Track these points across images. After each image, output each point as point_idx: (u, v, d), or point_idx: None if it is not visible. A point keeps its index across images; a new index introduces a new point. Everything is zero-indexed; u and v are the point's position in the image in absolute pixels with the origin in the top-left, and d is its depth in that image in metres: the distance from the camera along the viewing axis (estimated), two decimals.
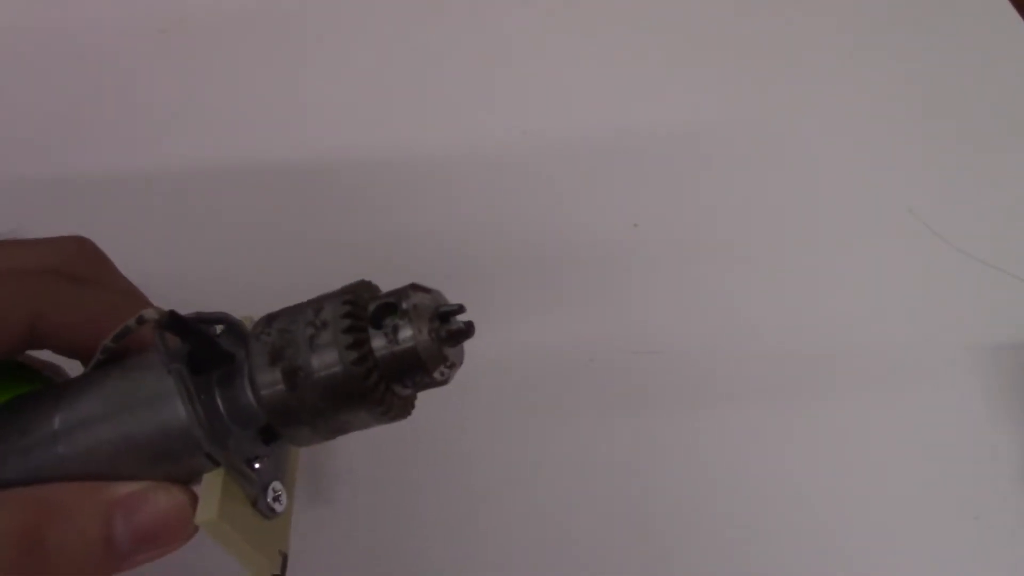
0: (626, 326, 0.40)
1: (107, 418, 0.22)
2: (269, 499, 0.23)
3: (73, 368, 0.25)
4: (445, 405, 0.37)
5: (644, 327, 0.40)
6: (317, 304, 0.22)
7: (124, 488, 0.22)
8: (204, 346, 0.22)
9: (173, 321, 0.22)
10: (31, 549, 0.21)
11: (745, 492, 0.36)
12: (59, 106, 0.48)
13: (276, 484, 0.24)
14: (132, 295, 0.26)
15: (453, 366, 0.22)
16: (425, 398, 0.36)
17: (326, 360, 0.21)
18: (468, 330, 0.22)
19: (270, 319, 0.22)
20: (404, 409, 0.23)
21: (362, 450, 0.36)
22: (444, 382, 0.22)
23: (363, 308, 0.21)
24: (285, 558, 0.25)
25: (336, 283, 0.39)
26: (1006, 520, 0.36)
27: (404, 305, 0.21)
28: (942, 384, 0.39)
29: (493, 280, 0.41)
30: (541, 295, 0.41)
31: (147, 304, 0.25)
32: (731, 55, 0.51)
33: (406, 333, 0.21)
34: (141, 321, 0.22)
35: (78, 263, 0.26)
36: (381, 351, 0.21)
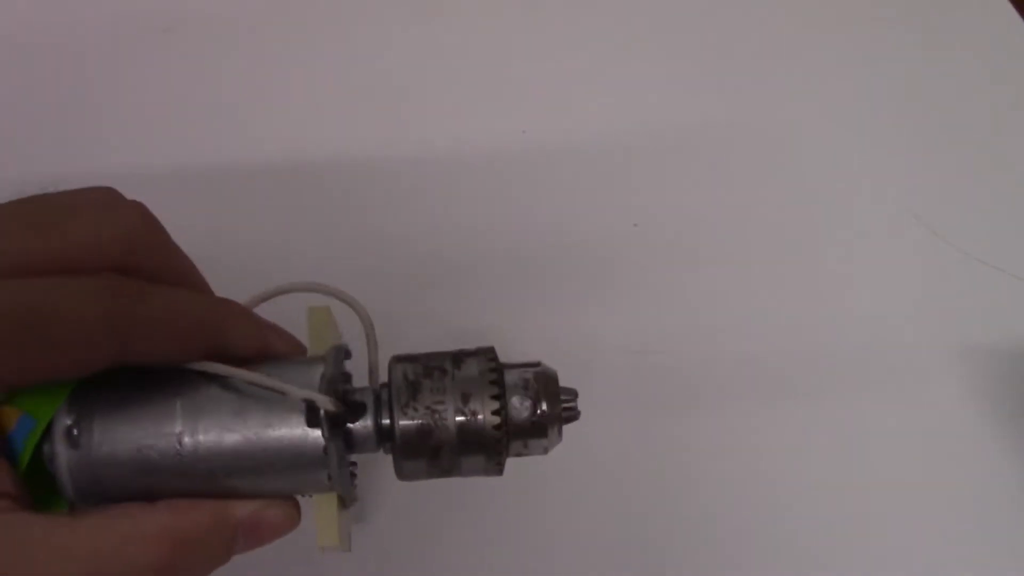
0: (626, 326, 0.40)
1: (240, 445, 0.23)
2: (353, 493, 0.25)
3: None
4: None
5: (644, 327, 0.40)
6: (458, 357, 0.25)
7: (245, 509, 0.23)
8: (352, 411, 0.24)
9: (345, 411, 0.23)
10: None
11: (745, 492, 0.36)
12: (60, 106, 0.48)
13: (353, 470, 0.25)
14: (198, 294, 0.25)
15: (559, 440, 0.25)
16: None
17: (473, 409, 0.24)
18: (577, 414, 0.26)
19: (408, 359, 0.24)
20: (503, 466, 0.25)
21: None
22: (544, 452, 0.25)
23: (502, 371, 0.25)
24: (350, 536, 0.27)
25: (335, 283, 0.39)
26: (1006, 520, 0.36)
27: (539, 377, 0.25)
28: (942, 384, 0.39)
29: (492, 280, 0.41)
30: (540, 295, 0.41)
31: (210, 304, 0.25)
32: (732, 55, 0.51)
33: (541, 407, 0.24)
34: (312, 409, 0.23)
35: (144, 248, 0.24)
36: (515, 417, 0.24)
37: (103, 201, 0.24)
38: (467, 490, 0.36)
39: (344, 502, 0.25)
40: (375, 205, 0.44)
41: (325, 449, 0.23)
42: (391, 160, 0.46)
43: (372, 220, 0.44)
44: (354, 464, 0.26)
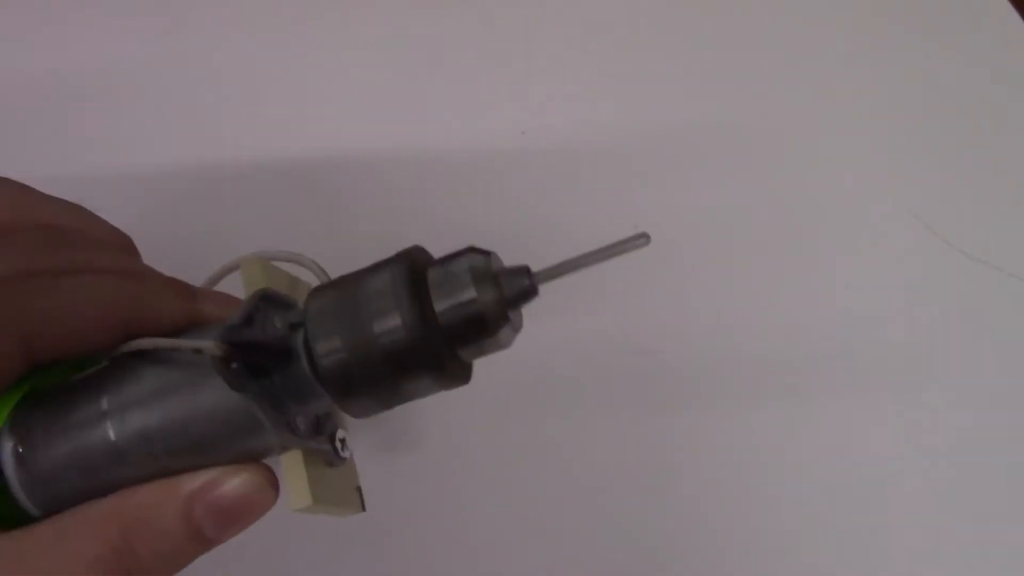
0: (626, 326, 0.40)
1: (169, 421, 0.22)
2: (339, 450, 0.24)
3: None
4: (444, 405, 0.37)
5: (644, 327, 0.40)
6: (373, 271, 0.21)
7: (197, 480, 0.22)
8: (266, 354, 0.22)
9: (234, 352, 0.22)
10: (129, 569, 0.21)
11: (744, 492, 0.36)
12: (59, 106, 0.48)
13: (340, 432, 0.24)
14: (115, 277, 0.24)
15: (515, 329, 0.22)
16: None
17: (388, 325, 0.20)
18: (532, 290, 0.21)
19: (325, 288, 0.22)
20: (465, 374, 0.22)
21: (360, 449, 0.36)
22: (506, 346, 0.21)
23: (422, 271, 0.21)
24: (360, 491, 0.26)
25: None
26: (1006, 520, 0.36)
27: (465, 267, 0.21)
28: (942, 384, 0.39)
29: None
30: (540, 295, 0.41)
31: (129, 288, 0.24)
32: (732, 55, 0.51)
33: (469, 295, 0.20)
34: (197, 351, 0.22)
35: (52, 250, 0.23)
36: (444, 314, 0.20)
37: None
38: (467, 491, 0.36)
39: (322, 455, 0.23)
40: (374, 205, 0.44)
41: (242, 392, 0.21)
42: (389, 160, 0.46)
43: (371, 220, 0.44)
44: (327, 416, 0.24)
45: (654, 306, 0.41)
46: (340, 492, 0.24)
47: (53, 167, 0.45)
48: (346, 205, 0.44)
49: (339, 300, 0.21)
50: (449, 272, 0.21)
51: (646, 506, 0.36)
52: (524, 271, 0.21)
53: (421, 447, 0.36)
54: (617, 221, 0.43)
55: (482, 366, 0.38)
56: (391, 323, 0.20)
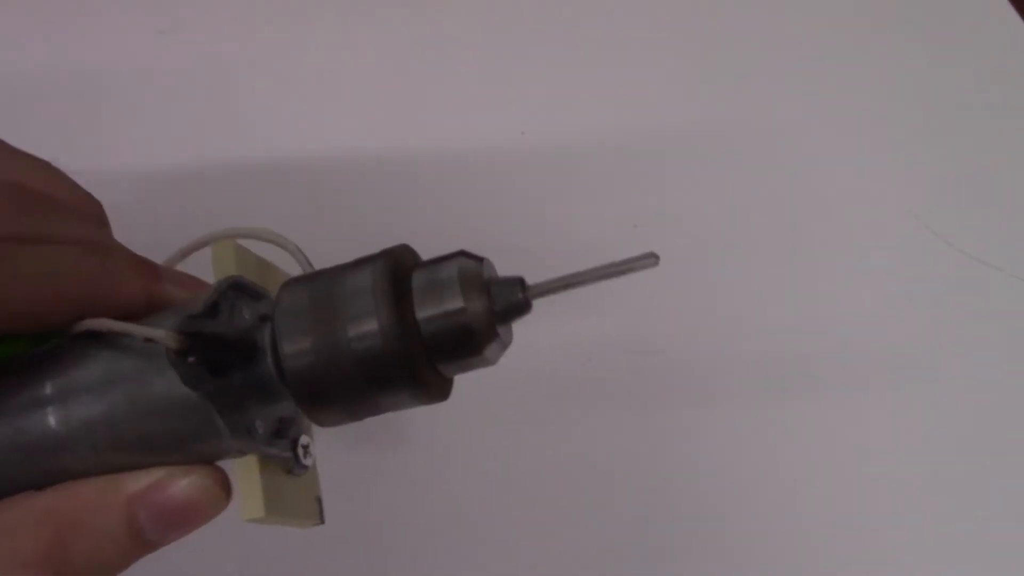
0: (626, 326, 0.40)
1: (118, 417, 0.20)
2: (300, 457, 0.22)
3: None
4: (443, 404, 0.37)
5: (644, 327, 0.40)
6: (354, 267, 0.19)
7: (141, 481, 0.20)
8: (227, 349, 0.20)
9: (192, 345, 0.20)
10: (59, 569, 0.20)
11: (744, 491, 0.36)
12: (59, 106, 0.48)
13: (304, 439, 0.22)
14: (81, 251, 0.22)
15: (504, 345, 0.19)
16: None
17: (364, 330, 0.18)
18: (525, 305, 0.19)
19: (300, 281, 0.20)
20: (444, 391, 0.20)
21: (360, 448, 0.36)
22: (492, 362, 0.19)
23: (407, 273, 0.19)
24: (320, 502, 0.24)
25: None
26: (1006, 520, 0.36)
27: (454, 272, 0.18)
28: (942, 384, 0.39)
29: None
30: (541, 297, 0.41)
31: (92, 265, 0.22)
32: (732, 55, 0.51)
33: (456, 304, 0.18)
34: (149, 340, 0.20)
35: (6, 219, 0.21)
36: (427, 323, 0.18)
37: None
38: (467, 491, 0.36)
39: (282, 462, 0.22)
40: (372, 206, 0.44)
41: (197, 390, 0.19)
42: (389, 161, 0.46)
43: (370, 221, 0.44)
44: (290, 420, 0.22)
45: (655, 306, 0.41)
46: (298, 503, 0.22)
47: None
48: (345, 205, 0.44)
49: (313, 296, 0.19)
50: (436, 277, 0.19)
51: (646, 506, 0.36)
52: (518, 282, 0.19)
53: (415, 446, 0.36)
54: (617, 221, 0.43)
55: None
56: (367, 327, 0.18)
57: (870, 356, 0.40)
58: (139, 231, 0.43)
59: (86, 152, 0.46)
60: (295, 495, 0.22)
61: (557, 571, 0.34)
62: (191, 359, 0.20)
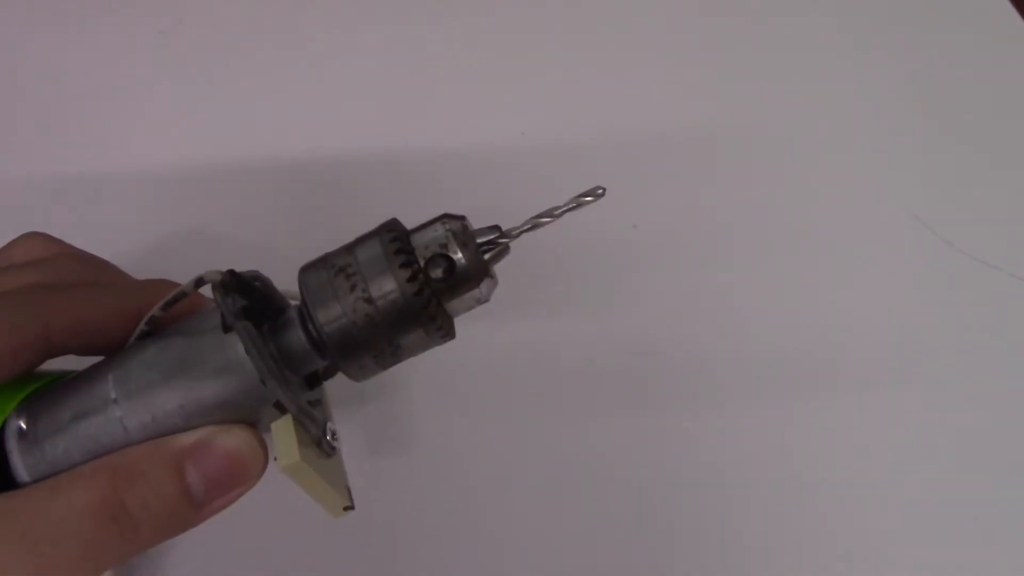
0: (625, 326, 0.40)
1: (169, 384, 0.22)
2: (329, 438, 0.24)
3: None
4: (444, 405, 0.37)
5: (643, 327, 0.40)
6: (357, 244, 0.23)
7: (189, 438, 0.22)
8: (262, 300, 0.24)
9: (235, 281, 0.23)
10: (116, 517, 0.21)
11: (745, 492, 0.36)
12: (58, 106, 0.48)
13: (330, 424, 0.25)
14: (131, 284, 0.27)
15: (494, 283, 0.24)
16: (424, 392, 0.36)
17: (385, 287, 0.22)
18: (506, 247, 0.24)
19: (313, 265, 0.23)
20: (451, 329, 0.24)
21: (359, 448, 0.36)
22: (486, 300, 0.24)
23: (406, 237, 0.23)
24: (349, 491, 0.26)
25: None
26: (1006, 520, 0.36)
27: (444, 230, 0.23)
28: (942, 384, 0.39)
29: None
30: (540, 296, 0.41)
31: (138, 284, 0.26)
32: (731, 56, 0.51)
33: (454, 253, 0.23)
34: (199, 283, 0.23)
35: (76, 272, 0.26)
36: (432, 271, 0.23)
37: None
38: (467, 492, 0.36)
39: (312, 435, 0.24)
40: (372, 206, 0.44)
41: (236, 329, 0.22)
42: (389, 161, 0.46)
43: (369, 221, 0.43)
44: (317, 402, 0.25)
45: (655, 307, 0.41)
46: (328, 476, 0.24)
47: (53, 166, 0.45)
48: (347, 205, 0.44)
49: (331, 272, 0.23)
50: (433, 236, 0.23)
51: (647, 506, 0.36)
52: (496, 228, 0.24)
53: (416, 446, 0.36)
54: (616, 221, 0.43)
55: (482, 366, 0.38)
56: (388, 286, 0.22)
57: (870, 356, 0.40)
58: (140, 231, 0.43)
59: (85, 152, 0.46)
60: (325, 470, 0.24)
61: (558, 571, 0.34)
62: (234, 300, 0.23)
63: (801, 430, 0.38)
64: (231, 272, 0.23)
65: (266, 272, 0.34)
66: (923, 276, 0.42)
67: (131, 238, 0.42)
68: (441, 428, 0.37)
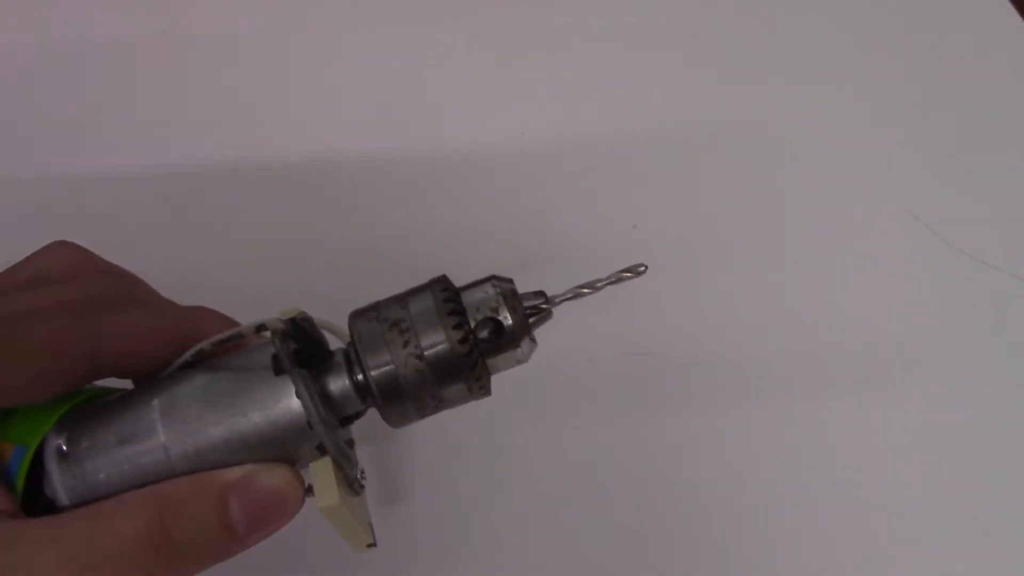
0: (625, 326, 0.40)
1: (217, 419, 0.23)
2: (359, 476, 0.26)
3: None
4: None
5: (644, 328, 0.40)
6: (410, 298, 0.25)
7: (233, 473, 0.23)
8: (308, 341, 0.25)
9: (295, 330, 0.24)
10: (160, 547, 0.22)
11: (745, 492, 0.36)
12: (58, 106, 0.48)
13: (359, 465, 0.26)
14: (169, 306, 0.27)
15: (535, 345, 0.25)
16: None
17: (437, 345, 0.24)
18: (548, 312, 0.26)
19: (365, 314, 0.25)
20: (489, 386, 0.25)
21: (365, 448, 0.36)
22: (525, 361, 0.25)
23: (457, 296, 0.24)
24: (372, 528, 0.27)
25: (335, 283, 0.39)
26: (1006, 520, 0.36)
27: (495, 291, 0.24)
28: (942, 384, 0.39)
29: None
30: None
31: (181, 310, 0.27)
32: (731, 56, 0.51)
33: (503, 314, 0.24)
34: (260, 329, 0.24)
35: (113, 289, 0.26)
36: (480, 330, 0.24)
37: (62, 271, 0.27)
38: (463, 490, 0.36)
39: (346, 475, 0.25)
40: (373, 206, 0.44)
41: (290, 374, 0.23)
42: (389, 161, 0.46)
43: (370, 221, 0.44)
44: (351, 442, 0.26)
45: (655, 307, 0.41)
46: (358, 516, 0.26)
47: (54, 166, 0.45)
48: (345, 206, 0.44)
49: (383, 322, 0.24)
50: (483, 297, 0.24)
51: (646, 505, 0.36)
52: (541, 294, 0.26)
53: (415, 447, 0.36)
54: (616, 221, 0.44)
55: None
56: (436, 338, 0.24)
57: (870, 356, 0.40)
58: (138, 231, 0.43)
59: (86, 152, 0.46)
60: (355, 508, 0.25)
61: (558, 571, 0.34)
62: (294, 346, 0.24)
63: (801, 430, 0.38)
64: (293, 322, 0.24)
65: (263, 272, 0.34)
66: (923, 276, 0.42)
67: (131, 238, 0.42)
68: (440, 427, 0.37)
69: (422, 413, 0.25)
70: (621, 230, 0.43)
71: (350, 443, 0.26)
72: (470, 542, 0.35)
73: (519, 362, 0.25)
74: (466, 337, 0.24)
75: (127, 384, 0.26)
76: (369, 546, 0.27)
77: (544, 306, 0.25)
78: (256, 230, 0.43)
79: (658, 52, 0.51)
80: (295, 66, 0.50)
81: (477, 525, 0.35)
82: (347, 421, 0.27)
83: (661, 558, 0.35)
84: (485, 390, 0.25)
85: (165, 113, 0.47)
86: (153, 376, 0.25)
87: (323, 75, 0.49)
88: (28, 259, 0.27)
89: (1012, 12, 0.53)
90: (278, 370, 0.23)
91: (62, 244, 0.28)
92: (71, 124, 0.47)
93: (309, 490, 0.24)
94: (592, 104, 0.48)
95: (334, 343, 0.27)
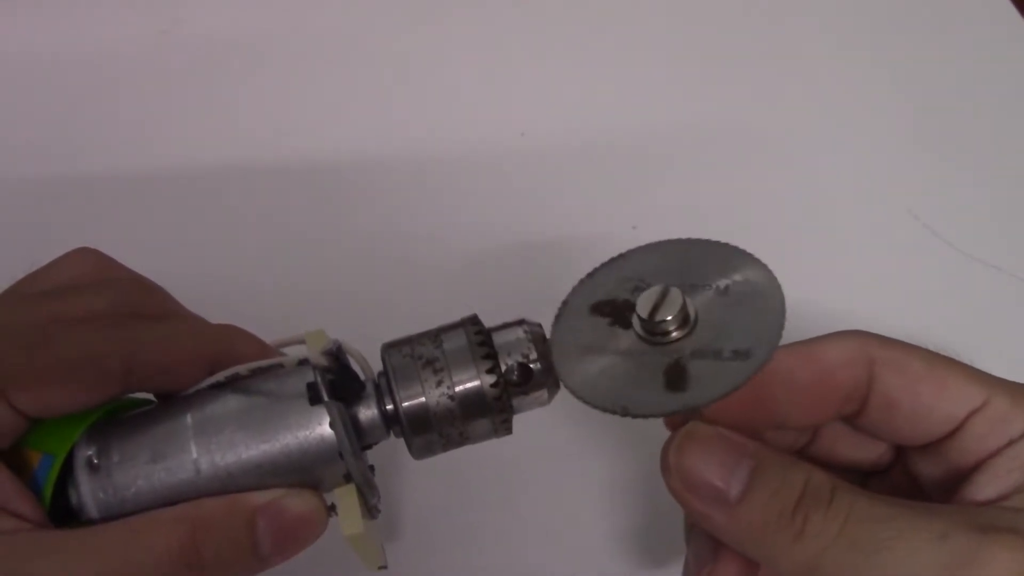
0: None
1: (250, 443, 0.24)
2: (376, 503, 0.26)
3: None
4: None
5: None
6: (444, 336, 0.26)
7: (263, 496, 0.24)
8: (341, 371, 0.25)
9: (335, 365, 0.25)
10: (191, 565, 0.22)
11: None
12: (59, 106, 0.48)
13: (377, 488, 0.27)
14: (202, 323, 0.27)
15: (557, 390, 0.26)
16: None
17: (469, 385, 0.25)
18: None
19: (399, 349, 0.26)
20: (511, 425, 0.26)
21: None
22: (546, 403, 0.26)
23: (489, 339, 0.25)
24: (383, 549, 0.28)
25: (337, 283, 0.39)
26: None
27: (526, 334, 0.26)
28: None
29: (492, 282, 0.41)
30: (540, 297, 0.41)
31: (214, 328, 0.27)
32: (730, 56, 0.51)
33: (533, 356, 0.25)
34: (303, 363, 0.25)
35: (142, 300, 0.26)
36: (509, 371, 0.25)
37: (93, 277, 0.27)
38: (464, 490, 0.36)
39: (367, 501, 0.26)
40: (374, 206, 0.44)
41: (327, 407, 0.24)
42: (390, 162, 0.46)
43: (371, 221, 0.44)
44: (371, 468, 0.26)
45: None
46: (374, 539, 0.26)
47: (54, 167, 0.45)
48: (345, 206, 0.44)
49: (416, 356, 0.25)
50: (514, 340, 0.25)
51: (646, 506, 0.36)
52: None
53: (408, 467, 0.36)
54: (616, 221, 0.44)
55: None
56: (467, 374, 0.25)
57: None
58: (139, 230, 0.43)
59: (87, 152, 0.46)
60: (372, 532, 0.26)
61: (556, 570, 0.34)
62: (331, 378, 0.25)
63: None
64: (336, 359, 0.25)
65: (264, 272, 0.34)
66: (921, 274, 0.42)
67: (129, 238, 0.41)
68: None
69: (446, 447, 0.26)
70: (621, 230, 0.43)
71: (372, 469, 0.27)
72: (464, 540, 0.35)
73: (540, 404, 0.26)
74: (498, 381, 0.25)
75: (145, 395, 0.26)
76: (380, 568, 0.27)
77: None
78: (256, 230, 0.43)
79: (658, 52, 0.51)
80: (295, 66, 0.50)
81: (476, 525, 0.35)
82: (367, 447, 0.27)
83: (661, 558, 0.35)
84: (508, 429, 0.26)
85: (165, 113, 0.48)
86: (177, 393, 0.25)
87: (323, 75, 0.49)
88: (52, 265, 0.27)
89: (1012, 11, 0.53)
90: (314, 400, 0.24)
91: (87, 251, 0.27)
92: (71, 124, 0.47)
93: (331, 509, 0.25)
94: (592, 105, 0.48)
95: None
